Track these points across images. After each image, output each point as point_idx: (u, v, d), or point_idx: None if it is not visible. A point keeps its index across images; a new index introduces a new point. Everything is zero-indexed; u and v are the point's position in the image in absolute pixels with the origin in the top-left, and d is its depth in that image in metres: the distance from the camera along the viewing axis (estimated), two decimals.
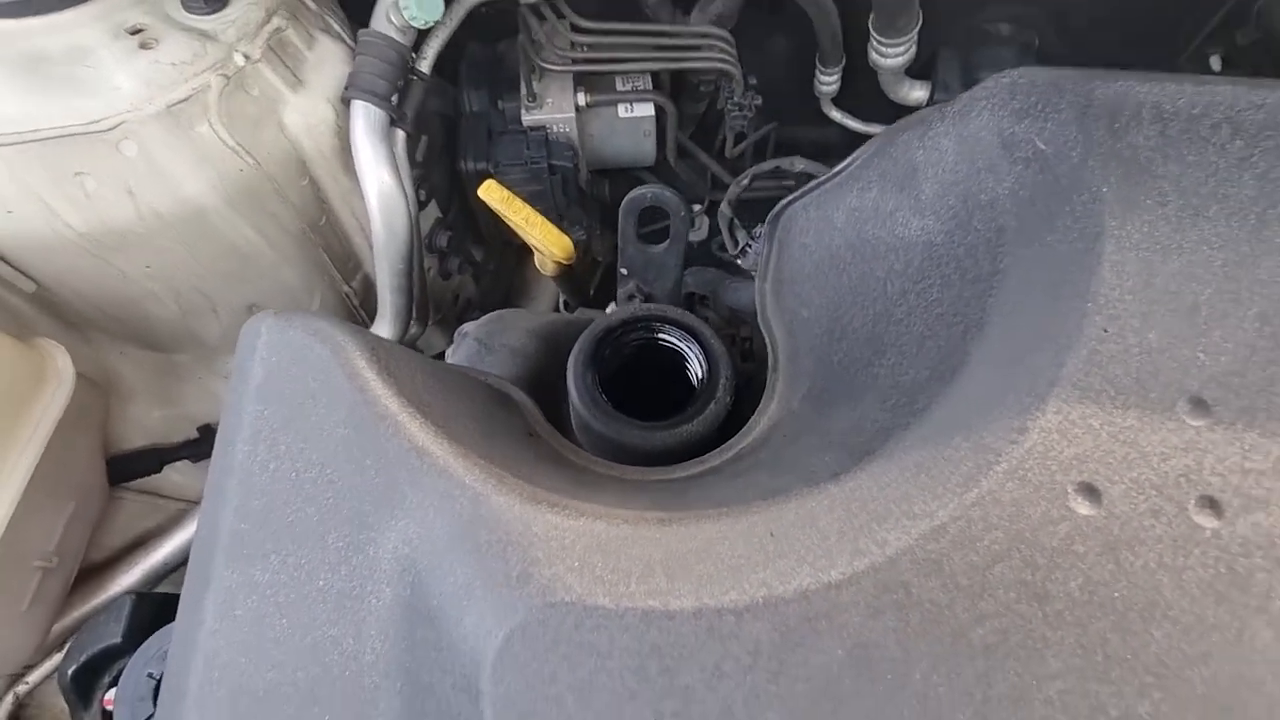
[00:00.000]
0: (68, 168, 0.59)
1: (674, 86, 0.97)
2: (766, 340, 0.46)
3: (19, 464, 0.61)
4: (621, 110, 0.90)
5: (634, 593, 0.26)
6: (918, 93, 0.92)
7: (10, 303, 0.67)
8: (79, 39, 0.60)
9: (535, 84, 0.84)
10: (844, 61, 0.92)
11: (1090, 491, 0.26)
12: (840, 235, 0.40)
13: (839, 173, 0.41)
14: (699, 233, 1.04)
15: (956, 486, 0.26)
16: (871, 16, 0.85)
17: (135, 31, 0.61)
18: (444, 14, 0.69)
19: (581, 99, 0.85)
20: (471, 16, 0.76)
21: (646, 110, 0.90)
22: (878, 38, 0.86)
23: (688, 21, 0.85)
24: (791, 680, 0.25)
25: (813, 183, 0.42)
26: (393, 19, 0.68)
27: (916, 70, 0.91)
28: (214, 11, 0.64)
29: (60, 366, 0.64)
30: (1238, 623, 0.25)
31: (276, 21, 0.66)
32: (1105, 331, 0.26)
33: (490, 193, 0.51)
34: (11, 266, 0.65)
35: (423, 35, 0.72)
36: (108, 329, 0.76)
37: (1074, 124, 0.30)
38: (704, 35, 0.81)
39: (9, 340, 0.59)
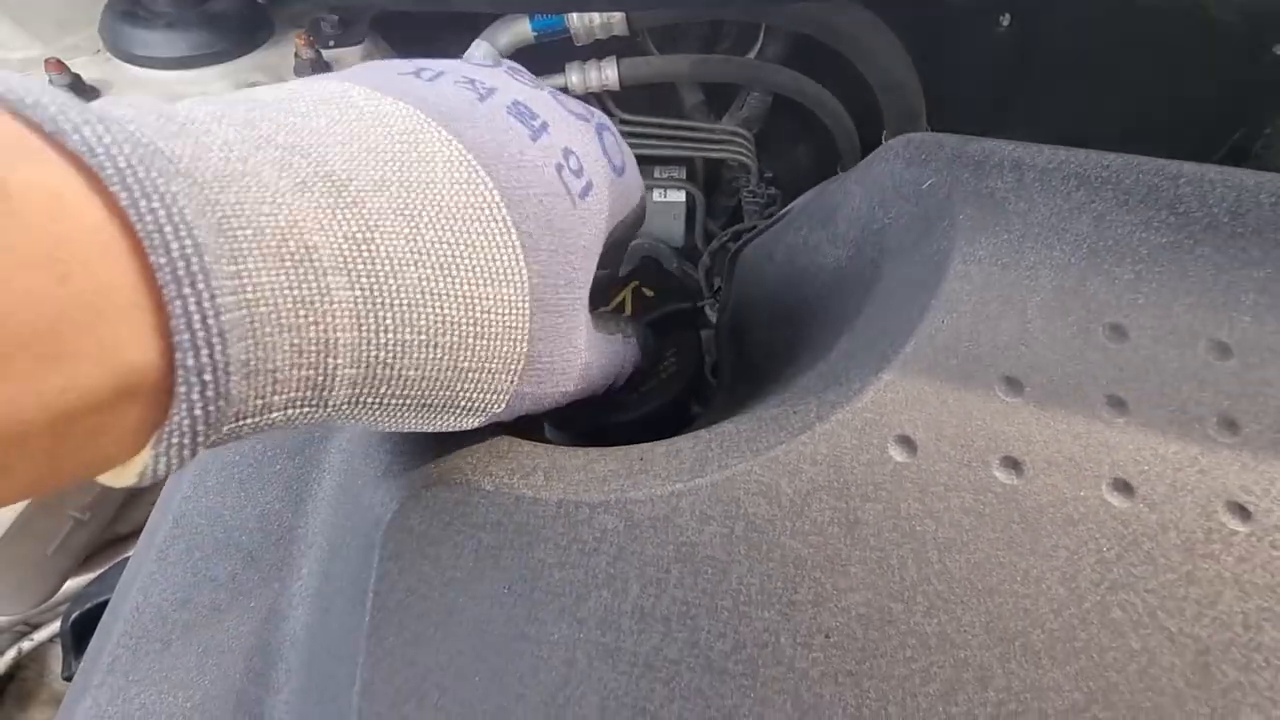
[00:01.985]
0: None
1: (708, 181, 1.09)
2: (720, 365, 0.51)
3: None
4: (656, 195, 1.02)
5: (514, 484, 0.31)
6: None
7: None
8: (208, 88, 0.75)
9: None
10: None
11: (908, 443, 0.29)
12: (778, 269, 0.46)
13: (781, 217, 0.48)
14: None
15: (795, 429, 0.30)
16: (884, 133, 0.95)
17: (251, 85, 0.76)
18: None
19: None
20: None
21: (678, 197, 1.01)
22: None
23: (718, 122, 0.97)
24: (627, 565, 0.29)
25: (761, 225, 0.49)
26: None
27: None
28: None
29: None
30: (1025, 564, 0.27)
31: None
32: (942, 322, 0.31)
33: None
34: None
35: None
36: None
37: (946, 169, 0.36)
38: (728, 132, 0.92)
39: None
